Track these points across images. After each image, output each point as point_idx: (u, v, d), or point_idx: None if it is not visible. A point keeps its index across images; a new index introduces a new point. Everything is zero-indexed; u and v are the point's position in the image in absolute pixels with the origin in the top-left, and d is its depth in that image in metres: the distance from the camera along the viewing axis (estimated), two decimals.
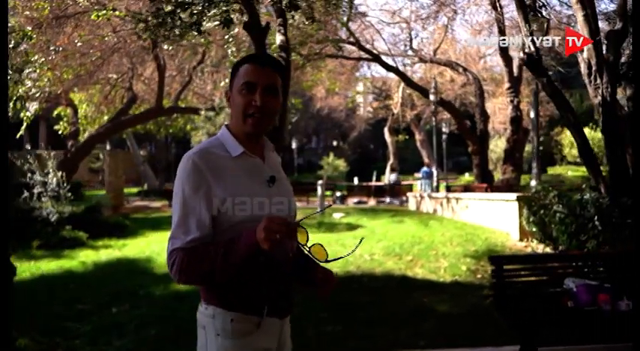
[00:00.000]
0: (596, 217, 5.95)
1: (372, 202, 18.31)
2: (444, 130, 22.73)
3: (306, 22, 7.01)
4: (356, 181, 22.00)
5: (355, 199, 18.51)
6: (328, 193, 18.82)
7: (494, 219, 8.68)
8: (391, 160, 21.55)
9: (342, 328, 4.90)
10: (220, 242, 1.43)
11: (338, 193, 17.84)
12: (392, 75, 18.97)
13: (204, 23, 6.05)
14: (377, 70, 20.66)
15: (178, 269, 1.42)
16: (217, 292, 1.47)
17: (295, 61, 13.02)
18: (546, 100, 20.81)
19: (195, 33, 6.09)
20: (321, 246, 1.45)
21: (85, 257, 7.60)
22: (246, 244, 1.37)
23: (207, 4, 6.00)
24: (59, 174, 8.67)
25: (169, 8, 6.00)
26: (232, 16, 6.88)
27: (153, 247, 8.09)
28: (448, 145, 24.96)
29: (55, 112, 17.19)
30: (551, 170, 23.19)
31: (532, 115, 18.77)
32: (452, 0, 13.68)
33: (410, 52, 16.73)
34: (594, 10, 7.11)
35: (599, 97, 6.53)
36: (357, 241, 1.84)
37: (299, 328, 4.75)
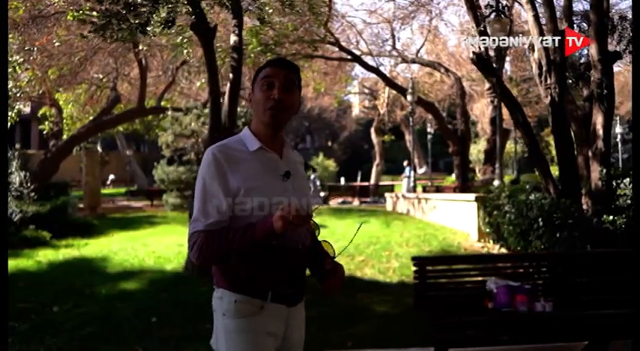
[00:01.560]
0: (540, 218, 5.94)
1: (356, 202, 18.34)
2: (429, 130, 22.67)
3: (258, 24, 7.01)
4: (342, 181, 22.03)
5: (340, 199, 18.55)
6: None
7: (457, 219, 8.68)
8: (377, 161, 21.55)
9: None
10: (239, 227, 1.56)
11: (322, 194, 17.88)
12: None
13: (150, 25, 6.07)
14: (364, 70, 20.61)
15: (198, 250, 1.57)
16: (226, 275, 1.62)
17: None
18: (534, 101, 20.70)
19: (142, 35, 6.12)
20: (329, 243, 1.69)
21: (42, 257, 7.64)
22: (263, 226, 1.51)
23: (153, 6, 6.02)
24: (22, 173, 8.72)
25: (116, 9, 6.03)
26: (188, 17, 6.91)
27: (112, 246, 8.13)
28: (441, 145, 24.86)
29: (40, 112, 17.26)
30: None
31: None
32: (429, 0, 13.64)
33: (393, 53, 16.69)
34: (553, 10, 7.09)
35: (549, 98, 6.52)
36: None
37: None
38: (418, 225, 9.22)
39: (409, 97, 13.85)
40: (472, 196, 8.09)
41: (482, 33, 6.43)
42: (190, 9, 6.12)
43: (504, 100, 6.64)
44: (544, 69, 6.60)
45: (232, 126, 6.68)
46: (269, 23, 7.86)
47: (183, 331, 4.88)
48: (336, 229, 8.79)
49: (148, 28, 6.30)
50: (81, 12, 6.88)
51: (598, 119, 6.67)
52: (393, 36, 16.22)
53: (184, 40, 7.42)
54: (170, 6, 5.90)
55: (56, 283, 6.45)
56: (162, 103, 16.86)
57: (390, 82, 15.08)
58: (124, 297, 5.95)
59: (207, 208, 1.58)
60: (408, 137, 26.06)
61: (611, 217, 5.11)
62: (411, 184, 14.03)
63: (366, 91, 24.42)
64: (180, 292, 6.06)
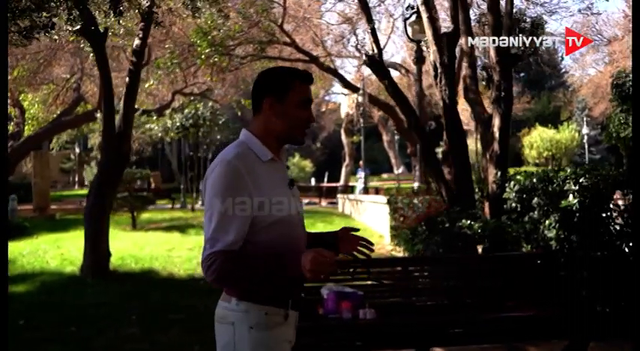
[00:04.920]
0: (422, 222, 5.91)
1: (323, 202, 18.36)
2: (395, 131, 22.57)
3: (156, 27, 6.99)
4: (313, 182, 22.03)
5: (306, 200, 18.55)
6: None
7: (377, 222, 8.66)
8: (346, 161, 21.52)
9: (140, 331, 4.91)
10: (265, 257, 1.55)
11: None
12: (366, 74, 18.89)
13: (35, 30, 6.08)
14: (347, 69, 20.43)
15: (218, 272, 1.50)
16: (250, 288, 1.58)
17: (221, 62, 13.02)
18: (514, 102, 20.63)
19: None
20: None
21: None
22: (293, 270, 1.50)
23: (37, 10, 6.03)
24: None
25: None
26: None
27: (25, 248, 8.15)
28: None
29: None
30: (513, 170, 22.97)
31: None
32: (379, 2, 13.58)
33: (356, 53, 16.61)
34: (467, 14, 7.03)
35: (442, 100, 6.48)
36: None
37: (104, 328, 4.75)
38: (340, 227, 9.16)
39: (359, 99, 13.83)
40: (384, 198, 8.06)
41: (373, 31, 6.38)
42: (77, 13, 6.11)
43: (396, 101, 6.60)
44: (439, 71, 6.56)
45: (127, 129, 6.68)
46: (164, 26, 7.81)
47: (46, 334, 4.89)
48: None
49: (51, 32, 6.31)
50: None
51: (496, 121, 6.62)
52: (357, 36, 16.15)
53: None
54: (51, 11, 5.88)
55: None
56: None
57: (346, 83, 15.03)
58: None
59: (228, 225, 1.51)
60: (386, 138, 26.05)
61: (468, 222, 5.08)
62: (362, 185, 14.01)
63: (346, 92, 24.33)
64: (66, 295, 6.09)
